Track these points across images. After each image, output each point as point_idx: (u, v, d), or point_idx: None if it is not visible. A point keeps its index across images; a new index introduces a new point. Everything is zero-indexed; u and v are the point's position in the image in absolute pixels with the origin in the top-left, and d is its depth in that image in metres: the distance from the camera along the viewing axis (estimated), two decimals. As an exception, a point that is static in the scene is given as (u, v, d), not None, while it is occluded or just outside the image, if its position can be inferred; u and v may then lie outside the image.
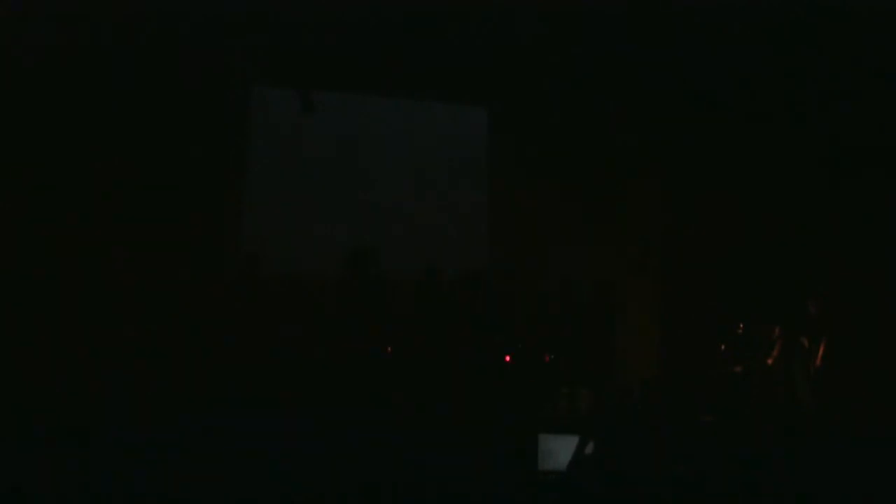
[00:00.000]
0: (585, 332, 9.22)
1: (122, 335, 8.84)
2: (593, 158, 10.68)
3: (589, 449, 6.99)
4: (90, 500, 5.69)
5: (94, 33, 8.93)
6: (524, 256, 10.36)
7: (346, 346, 8.66)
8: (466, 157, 10.97)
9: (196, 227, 9.67)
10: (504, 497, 6.32)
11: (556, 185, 10.61)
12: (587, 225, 10.58)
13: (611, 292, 9.29)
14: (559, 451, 7.19)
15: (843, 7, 8.48)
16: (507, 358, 9.02)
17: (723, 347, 9.29)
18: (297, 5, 8.91)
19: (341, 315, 8.89)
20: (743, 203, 10.32)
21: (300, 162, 10.55)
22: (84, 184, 9.40)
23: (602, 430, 7.44)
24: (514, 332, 9.13)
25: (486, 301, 9.32)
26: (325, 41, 9.62)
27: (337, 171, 10.64)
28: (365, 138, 10.81)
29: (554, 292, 9.49)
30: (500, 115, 10.99)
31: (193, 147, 9.78)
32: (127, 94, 9.61)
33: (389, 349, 8.85)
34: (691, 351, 9.83)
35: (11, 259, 8.87)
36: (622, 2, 8.80)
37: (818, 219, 10.14)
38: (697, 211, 10.51)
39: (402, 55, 9.93)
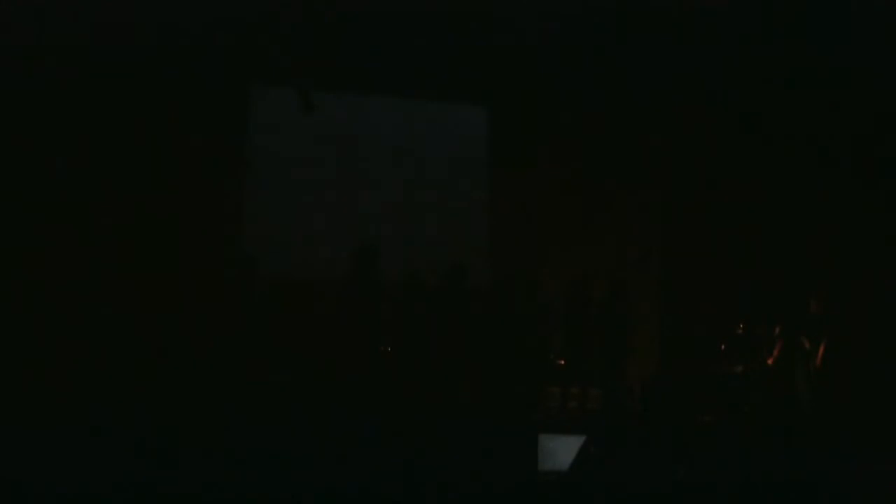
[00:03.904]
0: (585, 332, 9.20)
1: (120, 335, 8.85)
2: (593, 159, 10.69)
3: (590, 449, 6.98)
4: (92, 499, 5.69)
5: (92, 32, 8.96)
6: (524, 256, 10.35)
7: (346, 347, 8.65)
8: (467, 157, 10.96)
9: (195, 226, 9.68)
10: (504, 497, 6.32)
11: (556, 185, 10.61)
12: (587, 225, 10.58)
13: (611, 292, 9.27)
14: (559, 451, 7.19)
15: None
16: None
17: (723, 347, 9.29)
18: (298, 5, 8.93)
19: (341, 315, 8.87)
20: (743, 203, 10.34)
21: (299, 162, 10.53)
22: (82, 183, 9.41)
23: (602, 429, 7.44)
24: (513, 331, 9.11)
25: (487, 301, 9.31)
26: (325, 41, 9.64)
27: (337, 171, 10.63)
28: (365, 138, 10.79)
29: (553, 292, 9.48)
30: (500, 115, 10.96)
31: (192, 147, 9.79)
32: (127, 94, 9.62)
33: (390, 349, 8.84)
34: (691, 351, 9.83)
35: (10, 257, 8.88)
36: (623, 2, 8.82)
37: (819, 218, 10.15)
38: (698, 211, 10.53)
39: (402, 55, 9.94)
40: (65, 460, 6.15)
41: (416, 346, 8.77)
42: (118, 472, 5.97)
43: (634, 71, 10.06)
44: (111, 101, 9.57)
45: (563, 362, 9.13)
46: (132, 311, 9.03)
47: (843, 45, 9.13)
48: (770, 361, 8.80)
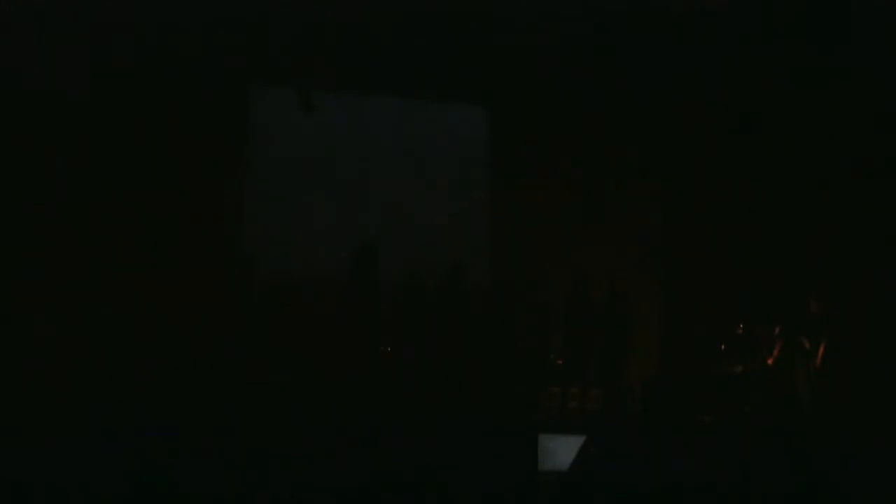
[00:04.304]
0: (585, 332, 9.21)
1: (120, 335, 8.85)
2: (593, 159, 10.69)
3: (590, 449, 6.98)
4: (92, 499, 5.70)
5: (92, 32, 8.96)
6: (524, 256, 10.34)
7: (346, 347, 8.64)
8: (467, 157, 10.95)
9: (195, 227, 9.69)
10: (504, 497, 6.32)
11: (556, 185, 10.61)
12: (587, 225, 10.58)
13: (611, 292, 9.28)
14: (559, 451, 7.19)
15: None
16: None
17: (723, 347, 9.29)
18: (298, 5, 8.93)
19: (341, 315, 8.87)
20: (743, 203, 10.34)
21: (299, 162, 10.53)
22: (82, 184, 9.42)
23: (602, 429, 7.43)
24: (513, 331, 9.12)
25: (487, 301, 9.32)
26: (325, 41, 9.64)
27: (337, 171, 10.61)
28: (365, 138, 10.79)
29: (553, 292, 9.49)
30: (500, 115, 10.95)
31: (192, 147, 9.79)
32: (127, 95, 9.63)
33: (390, 350, 8.84)
34: (691, 351, 9.83)
35: (10, 258, 8.88)
36: (623, 2, 8.81)
37: (819, 218, 10.14)
38: (698, 211, 10.53)
39: (402, 55, 9.94)
40: (65, 461, 6.15)
41: (417, 347, 8.77)
42: (118, 473, 5.97)
43: (634, 71, 10.05)
44: (111, 102, 9.57)
45: (562, 362, 9.13)
46: (132, 311, 9.03)
47: (843, 45, 9.12)
48: (770, 361, 8.80)
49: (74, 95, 9.37)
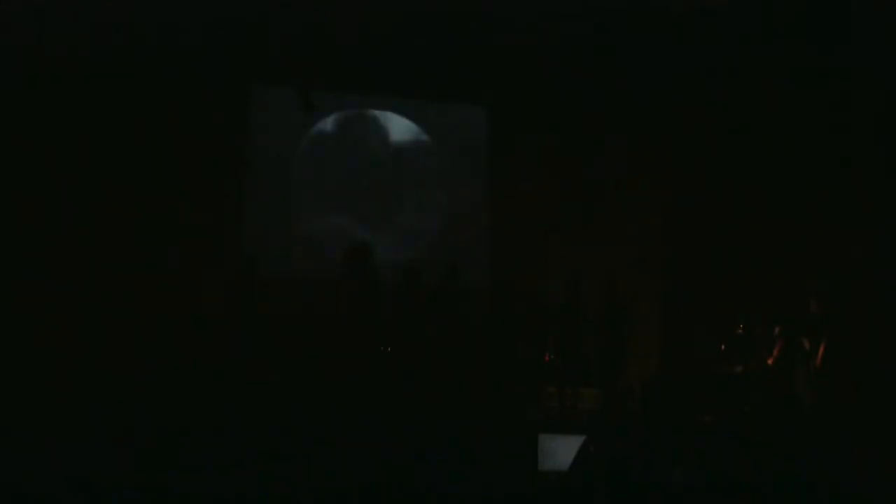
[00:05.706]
0: (584, 332, 9.21)
1: (120, 335, 8.85)
2: (593, 158, 10.69)
3: (590, 449, 6.98)
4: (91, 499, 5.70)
5: (92, 32, 8.97)
6: (524, 256, 10.34)
7: (345, 347, 8.65)
8: (467, 157, 10.96)
9: (195, 227, 9.69)
10: (504, 497, 6.32)
11: (556, 185, 10.61)
12: (587, 225, 10.58)
13: (610, 292, 9.28)
14: (559, 451, 7.19)
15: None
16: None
17: (723, 347, 9.28)
18: (298, 5, 8.94)
19: (340, 315, 8.88)
20: (743, 203, 10.34)
21: (299, 162, 10.54)
22: (82, 183, 9.43)
23: (602, 429, 7.43)
24: (513, 331, 9.12)
25: (486, 300, 9.33)
26: (326, 41, 9.64)
27: (337, 171, 10.62)
28: (364, 138, 10.80)
29: (553, 292, 9.49)
30: (500, 115, 10.95)
31: (192, 147, 9.80)
32: (127, 95, 9.63)
33: (390, 349, 8.84)
34: (691, 351, 9.83)
35: (10, 258, 8.89)
36: (623, 2, 8.82)
37: (819, 218, 10.14)
38: (698, 211, 10.53)
39: (402, 55, 9.95)
40: (64, 461, 6.16)
41: (416, 346, 8.77)
42: (117, 473, 5.97)
43: (634, 71, 10.06)
44: (112, 102, 9.58)
45: (562, 362, 9.13)
46: (132, 311, 9.04)
47: (843, 45, 9.12)
48: (770, 361, 8.79)
49: (74, 95, 9.38)
